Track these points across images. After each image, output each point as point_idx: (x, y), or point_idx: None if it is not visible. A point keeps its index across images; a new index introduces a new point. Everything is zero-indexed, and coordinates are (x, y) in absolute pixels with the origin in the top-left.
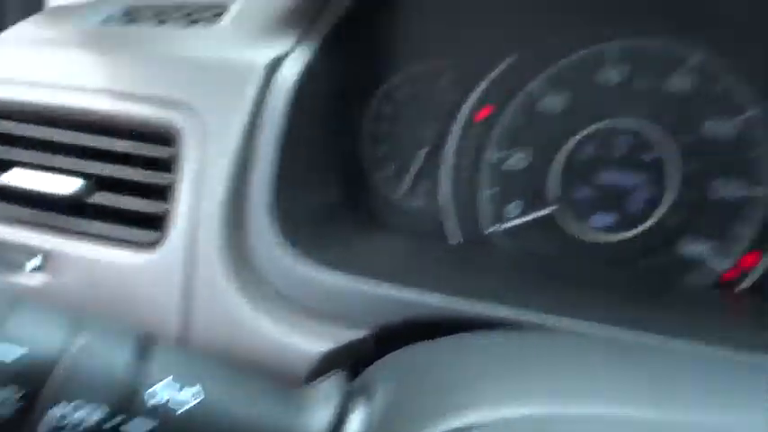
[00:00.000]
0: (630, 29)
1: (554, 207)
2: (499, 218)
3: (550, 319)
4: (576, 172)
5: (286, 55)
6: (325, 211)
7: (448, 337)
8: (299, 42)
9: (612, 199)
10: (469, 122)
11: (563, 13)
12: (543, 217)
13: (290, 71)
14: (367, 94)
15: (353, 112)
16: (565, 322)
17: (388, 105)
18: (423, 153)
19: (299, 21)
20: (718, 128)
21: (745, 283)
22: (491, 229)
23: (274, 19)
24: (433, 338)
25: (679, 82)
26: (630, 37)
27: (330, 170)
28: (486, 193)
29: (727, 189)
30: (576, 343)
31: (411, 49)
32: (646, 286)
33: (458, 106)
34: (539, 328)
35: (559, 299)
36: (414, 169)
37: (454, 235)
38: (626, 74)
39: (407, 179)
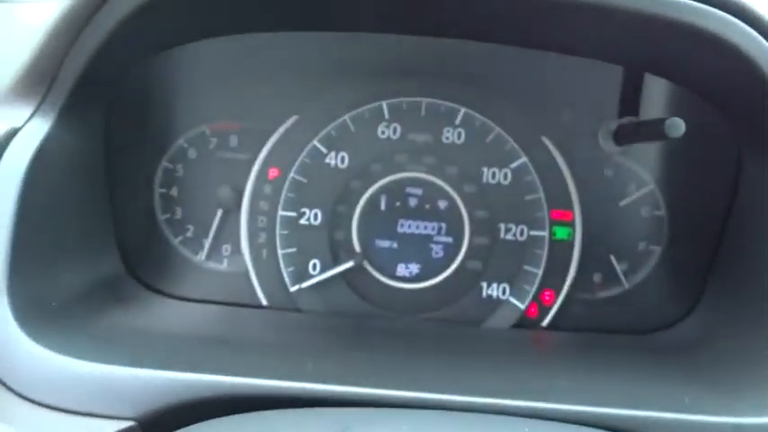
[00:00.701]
0: (399, 89)
1: (352, 262)
2: (302, 276)
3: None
4: (374, 225)
5: (19, 129)
6: (92, 289)
7: (214, 420)
8: (35, 113)
9: (414, 248)
10: (262, 181)
11: (338, 75)
12: (347, 271)
13: (24, 146)
14: (150, 159)
15: (135, 177)
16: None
17: (179, 167)
18: (219, 214)
19: (35, 89)
20: (495, 176)
21: (547, 319)
22: (294, 289)
23: (8, 88)
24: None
25: (452, 136)
26: (402, 96)
27: (97, 243)
28: (285, 252)
29: (511, 232)
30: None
31: (195, 111)
32: (454, 333)
33: (249, 166)
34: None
35: (359, 367)
36: (212, 231)
37: (259, 297)
38: (403, 129)
39: (207, 242)
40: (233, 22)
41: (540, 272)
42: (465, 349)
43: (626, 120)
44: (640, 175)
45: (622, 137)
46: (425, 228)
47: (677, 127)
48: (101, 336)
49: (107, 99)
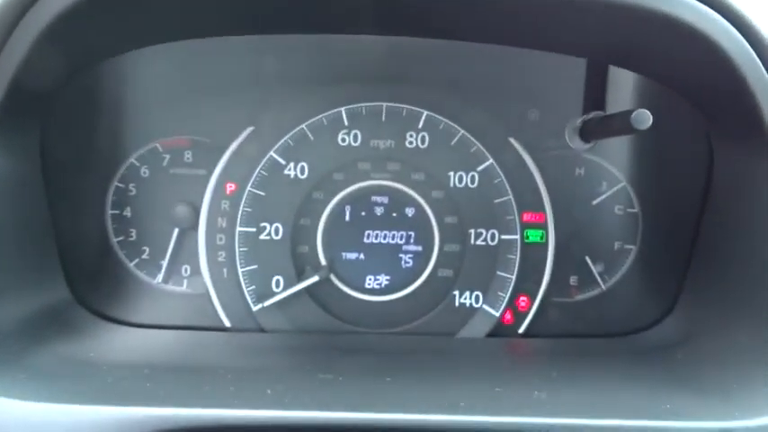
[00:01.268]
0: (357, 94)
1: (318, 276)
2: (265, 294)
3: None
4: (339, 237)
5: None
6: (34, 319)
7: None
8: None
9: (383, 259)
10: (219, 197)
11: (293, 82)
12: (313, 286)
13: None
14: (99, 179)
15: (83, 198)
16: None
17: (131, 187)
18: (176, 233)
19: None
20: (462, 179)
21: (523, 326)
22: (257, 308)
23: None
24: None
25: (416, 140)
26: (361, 101)
27: (39, 270)
28: (246, 270)
29: (482, 237)
30: None
31: (145, 127)
32: (428, 347)
33: (205, 182)
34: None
35: (328, 390)
36: (169, 251)
37: (222, 318)
38: (364, 135)
39: (164, 263)
40: (179, 25)
41: (514, 277)
42: (440, 364)
43: (592, 115)
44: (612, 173)
45: (589, 132)
46: (393, 237)
47: (644, 119)
48: (45, 371)
49: (43, 115)
